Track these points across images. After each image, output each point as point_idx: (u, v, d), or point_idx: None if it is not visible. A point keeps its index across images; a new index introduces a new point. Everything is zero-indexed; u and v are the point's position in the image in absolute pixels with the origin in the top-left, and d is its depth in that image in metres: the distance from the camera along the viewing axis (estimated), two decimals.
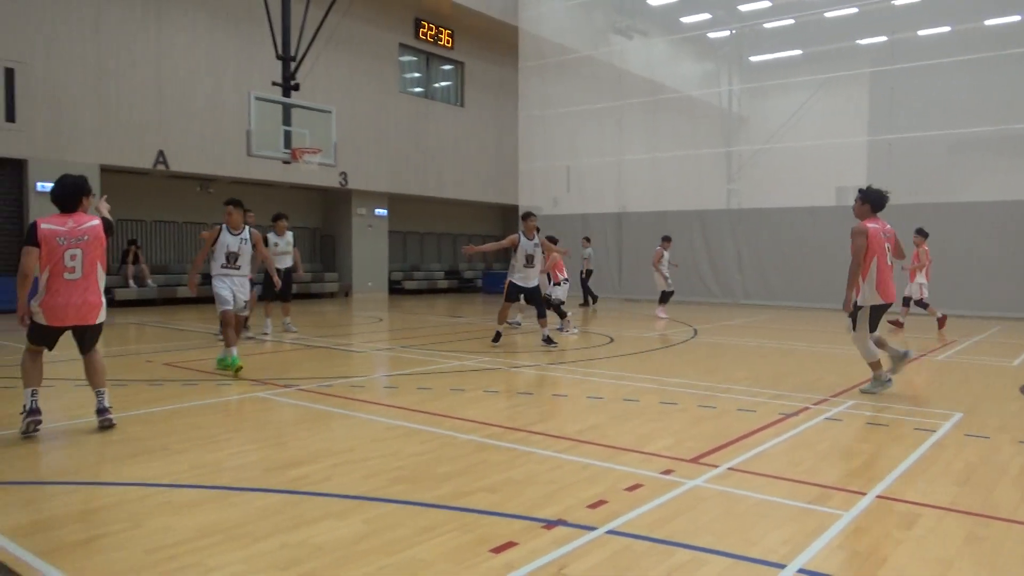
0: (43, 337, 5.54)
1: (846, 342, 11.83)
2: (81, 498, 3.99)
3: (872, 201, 7.25)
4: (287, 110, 14.43)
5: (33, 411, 5.33)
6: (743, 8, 22.71)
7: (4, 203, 16.01)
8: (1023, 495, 4.25)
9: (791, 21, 21.94)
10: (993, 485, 4.41)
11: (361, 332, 12.81)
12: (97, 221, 5.51)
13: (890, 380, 7.29)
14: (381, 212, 24.00)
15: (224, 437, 5.38)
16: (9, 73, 15.33)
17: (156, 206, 19.79)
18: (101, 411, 5.57)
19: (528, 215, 11.09)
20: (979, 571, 3.23)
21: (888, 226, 7.28)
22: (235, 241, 8.52)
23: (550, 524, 3.63)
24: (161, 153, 17.81)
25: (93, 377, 5.67)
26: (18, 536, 3.40)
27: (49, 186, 16.16)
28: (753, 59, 23.77)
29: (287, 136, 14.33)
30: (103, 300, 5.56)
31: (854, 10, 20.38)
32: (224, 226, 8.54)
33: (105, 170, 17.12)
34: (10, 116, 15.39)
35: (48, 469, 4.66)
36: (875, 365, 7.26)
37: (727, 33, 23.82)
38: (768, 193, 21.03)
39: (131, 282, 17.92)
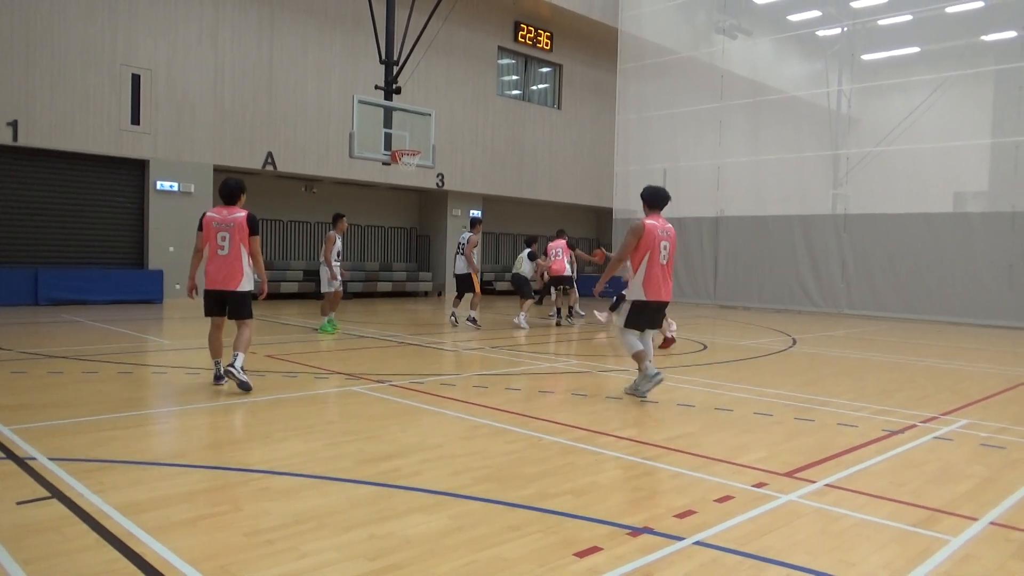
0: (207, 303, 7.02)
1: (961, 356, 11.12)
2: (188, 480, 4.23)
3: (645, 199, 7.02)
4: (388, 113, 14.84)
5: (217, 376, 6.97)
6: (856, 4, 21.68)
7: (128, 200, 17.18)
8: None
9: (908, 17, 20.76)
10: None
11: (452, 331, 13.01)
12: (243, 214, 6.90)
13: (659, 374, 6.80)
14: (476, 213, 24.31)
15: (320, 428, 5.57)
16: (136, 79, 16.45)
17: (263, 205, 20.75)
18: (229, 366, 6.83)
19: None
20: None
21: (669, 225, 6.97)
22: (340, 243, 12.02)
23: (636, 531, 3.58)
24: (270, 154, 18.68)
25: (235, 341, 6.99)
26: (130, 512, 3.63)
27: (167, 185, 17.41)
28: (866, 57, 22.63)
29: (387, 138, 14.74)
30: (245, 273, 6.90)
31: (980, 4, 19.11)
32: (335, 232, 11.87)
33: (218, 170, 18.11)
34: (135, 119, 16.51)
35: (159, 451, 4.96)
36: (638, 356, 6.84)
37: (838, 31, 22.80)
38: (879, 198, 19.99)
39: None
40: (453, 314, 13.84)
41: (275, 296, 19.32)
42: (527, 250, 15.09)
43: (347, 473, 4.43)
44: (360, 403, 6.60)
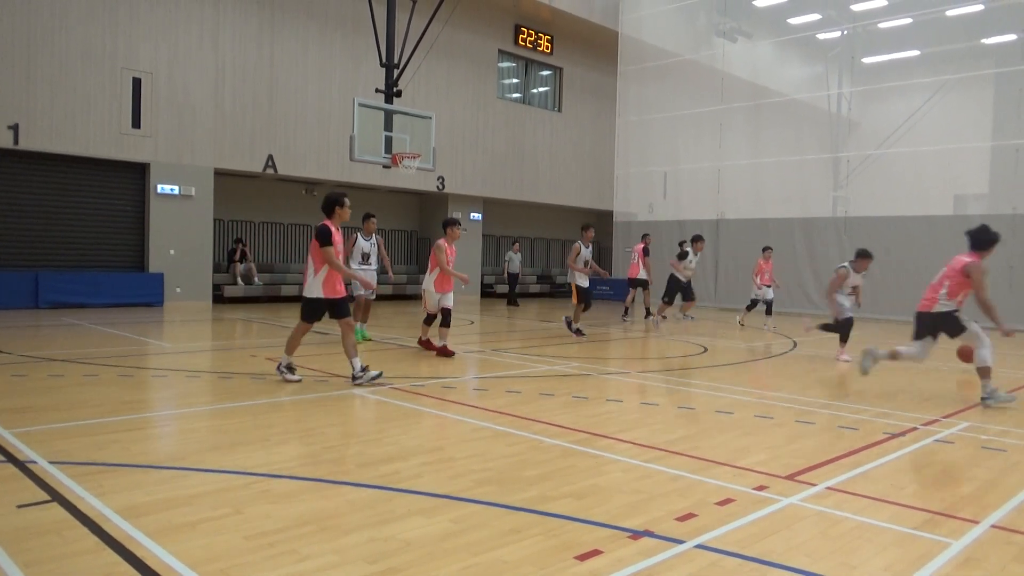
0: None
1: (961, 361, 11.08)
2: (188, 483, 4.22)
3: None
4: (388, 116, 14.85)
5: (280, 367, 7.63)
6: (856, 8, 21.70)
7: (128, 204, 17.18)
8: None
9: (908, 20, 20.77)
10: None
11: (453, 334, 12.99)
12: (319, 226, 7.41)
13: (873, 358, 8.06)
14: (476, 216, 24.32)
15: (321, 431, 5.57)
16: (137, 83, 16.46)
17: (263, 208, 20.77)
18: (352, 378, 7.48)
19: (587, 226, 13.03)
20: None
21: (957, 258, 7.58)
22: (367, 244, 11.18)
23: (636, 534, 3.57)
24: (270, 157, 18.69)
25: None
26: (130, 516, 3.63)
27: (168, 188, 17.38)
28: (866, 60, 22.64)
29: (388, 141, 14.74)
30: (309, 279, 7.50)
31: (979, 7, 19.12)
32: (359, 233, 11.16)
33: (218, 173, 18.12)
34: (136, 123, 16.52)
35: (160, 455, 4.96)
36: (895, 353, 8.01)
37: (838, 34, 22.82)
38: (880, 201, 19.98)
39: (239, 280, 18.86)
40: (571, 324, 13.12)
41: (276, 299, 19.34)
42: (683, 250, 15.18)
43: (347, 476, 4.42)
44: (360, 406, 6.60)
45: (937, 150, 19.01)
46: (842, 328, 10.61)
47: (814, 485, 4.46)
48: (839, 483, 4.52)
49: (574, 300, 12.88)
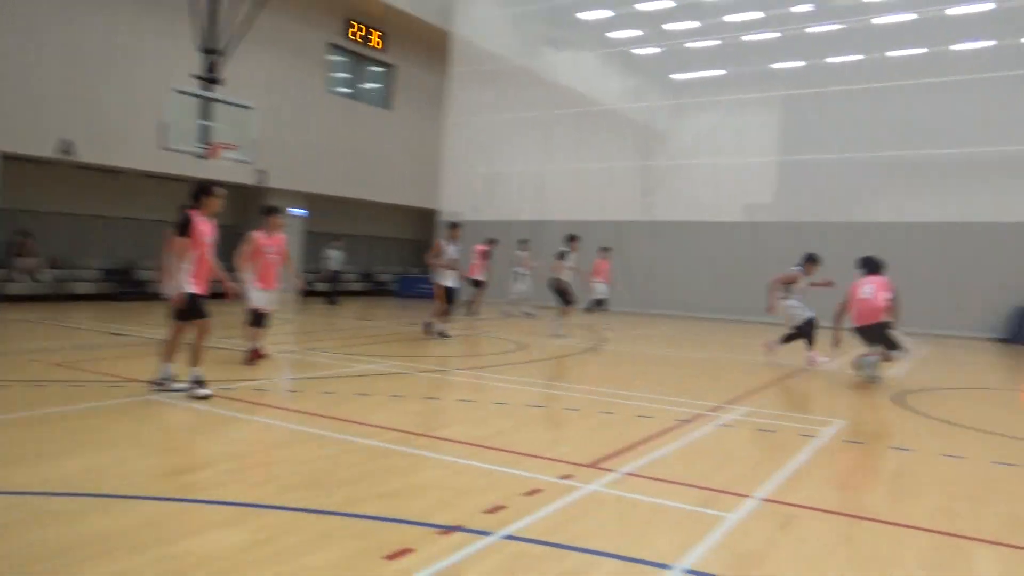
0: None
1: (745, 351, 12.28)
2: None
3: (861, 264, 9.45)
4: (206, 104, 13.92)
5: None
6: (668, 27, 23.41)
7: None
8: (895, 498, 4.52)
9: (712, 43, 22.74)
10: (868, 488, 4.68)
11: (267, 333, 12.46)
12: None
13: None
14: (299, 212, 23.45)
15: (111, 442, 5.12)
16: None
17: (55, 197, 18.77)
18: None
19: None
20: (851, 570, 3.42)
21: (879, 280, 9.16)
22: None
23: (446, 530, 3.63)
24: (67, 142, 16.89)
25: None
26: None
27: None
28: (676, 77, 24.53)
29: (205, 131, 13.82)
30: (169, 277, 6.69)
31: (771, 36, 21.37)
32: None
33: (8, 158, 16.13)
34: None
35: None
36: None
37: (653, 50, 24.48)
38: (683, 207, 21.72)
39: (20, 275, 16.90)
40: (431, 326, 12.60)
41: (69, 297, 17.54)
42: (562, 249, 14.25)
43: (139, 489, 4.11)
44: (159, 413, 6.15)
45: (731, 162, 21.00)
46: (805, 331, 10.27)
47: (614, 471, 4.76)
48: (636, 468, 4.86)
49: (439, 300, 12.37)
